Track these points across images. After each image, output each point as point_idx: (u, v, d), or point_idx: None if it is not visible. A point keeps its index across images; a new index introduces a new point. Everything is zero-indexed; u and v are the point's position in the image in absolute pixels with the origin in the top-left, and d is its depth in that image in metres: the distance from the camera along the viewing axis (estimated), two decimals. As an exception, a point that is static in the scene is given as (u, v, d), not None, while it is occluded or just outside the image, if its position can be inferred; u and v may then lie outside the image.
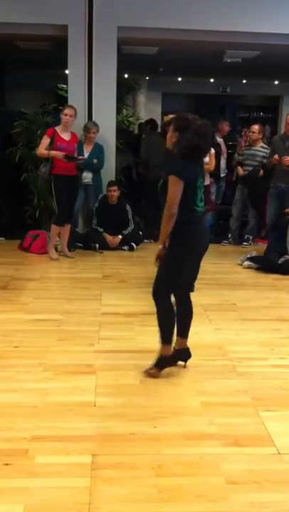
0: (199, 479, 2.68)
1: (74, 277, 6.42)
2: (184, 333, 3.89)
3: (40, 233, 7.46)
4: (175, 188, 3.47)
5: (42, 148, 6.89)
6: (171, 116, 5.57)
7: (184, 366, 3.89)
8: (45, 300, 5.41)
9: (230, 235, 8.21)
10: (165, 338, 3.76)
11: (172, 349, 3.85)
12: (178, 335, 3.88)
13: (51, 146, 6.87)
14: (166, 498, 2.53)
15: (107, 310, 5.13)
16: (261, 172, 7.74)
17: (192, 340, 3.93)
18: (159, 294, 3.75)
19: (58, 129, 7.00)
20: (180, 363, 3.90)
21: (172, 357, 3.85)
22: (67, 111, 6.93)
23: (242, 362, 4.05)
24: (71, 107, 7.06)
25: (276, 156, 7.01)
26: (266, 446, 2.97)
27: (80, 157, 7.07)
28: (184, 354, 3.89)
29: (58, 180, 6.88)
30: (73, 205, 7.26)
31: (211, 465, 2.80)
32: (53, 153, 6.80)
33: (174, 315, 3.78)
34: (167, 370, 3.85)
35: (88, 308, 5.15)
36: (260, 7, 7.65)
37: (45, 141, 6.89)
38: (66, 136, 6.99)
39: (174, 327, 3.80)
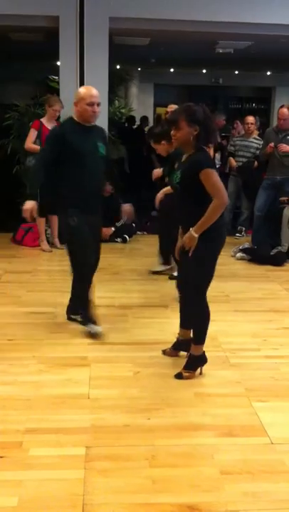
0: (193, 470, 2.69)
1: (67, 270, 6.32)
2: (190, 324, 3.82)
3: (33, 226, 7.45)
4: (217, 179, 3.40)
5: (30, 142, 6.93)
6: (172, 106, 5.50)
7: (187, 356, 3.85)
8: (39, 293, 5.41)
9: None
10: (202, 338, 3.66)
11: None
12: (183, 326, 3.86)
13: (39, 138, 6.88)
14: (160, 489, 2.55)
15: (101, 302, 5.11)
16: (256, 163, 7.77)
17: (185, 331, 3.94)
18: (201, 296, 3.60)
19: (43, 120, 7.04)
20: (182, 353, 3.88)
21: (176, 345, 3.90)
22: (57, 107, 6.95)
23: (235, 353, 4.07)
24: (59, 101, 7.07)
25: (271, 144, 7.02)
26: (259, 437, 2.99)
27: None
28: (189, 344, 3.84)
29: None
30: None
31: (205, 456, 2.81)
32: None
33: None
34: (161, 361, 3.87)
35: (81, 301, 5.14)
36: (252, -3, 7.63)
37: (32, 134, 6.94)
38: (52, 127, 6.99)
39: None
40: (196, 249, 3.44)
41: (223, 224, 3.58)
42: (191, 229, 3.42)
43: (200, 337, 3.66)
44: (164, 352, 3.96)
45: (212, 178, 3.36)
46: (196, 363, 3.68)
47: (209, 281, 3.61)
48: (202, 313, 3.62)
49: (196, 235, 3.40)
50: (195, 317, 3.70)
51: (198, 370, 3.68)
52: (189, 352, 3.74)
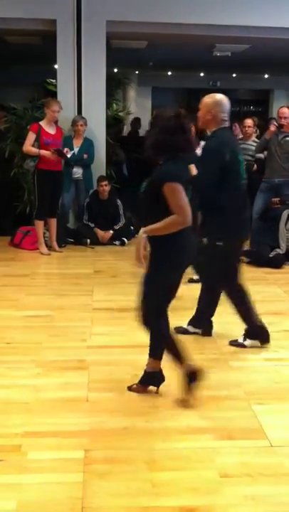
0: (192, 473, 2.68)
1: (65, 273, 6.41)
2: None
3: (31, 229, 7.44)
4: (179, 195, 3.11)
5: (29, 145, 6.94)
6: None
7: (156, 392, 3.48)
8: (37, 296, 5.39)
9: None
10: (158, 352, 3.40)
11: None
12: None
13: (38, 141, 6.89)
14: (159, 492, 2.53)
15: (99, 305, 5.13)
16: (255, 167, 7.78)
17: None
18: (154, 317, 3.33)
19: (42, 123, 7.03)
20: (151, 387, 3.49)
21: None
22: (55, 107, 6.94)
23: (234, 355, 4.06)
24: (57, 102, 7.08)
25: (275, 123, 7.12)
26: (259, 439, 2.98)
27: (65, 150, 7.09)
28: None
29: (42, 175, 6.93)
30: (57, 200, 7.27)
31: (204, 458, 2.80)
32: (44, 152, 6.83)
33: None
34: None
35: (80, 304, 5.14)
36: (250, 0, 7.63)
37: (31, 137, 6.94)
38: (51, 130, 7.04)
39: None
40: (150, 264, 3.23)
41: (183, 247, 3.22)
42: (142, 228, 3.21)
43: (155, 350, 3.40)
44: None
45: (173, 193, 3.07)
46: (148, 378, 3.44)
47: (161, 303, 3.33)
48: (158, 330, 3.36)
49: (144, 235, 3.18)
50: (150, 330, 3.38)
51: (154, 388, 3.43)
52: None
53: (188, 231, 3.23)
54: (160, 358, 3.44)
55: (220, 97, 4.00)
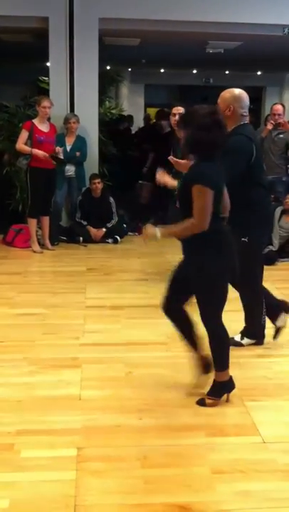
0: (185, 470, 2.68)
1: (58, 271, 6.40)
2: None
3: (23, 227, 7.42)
4: (205, 200, 3.03)
5: (21, 143, 6.90)
6: (179, 108, 5.47)
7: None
8: (30, 294, 5.38)
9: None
10: (222, 363, 3.32)
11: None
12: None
13: (30, 139, 6.86)
14: (152, 489, 2.54)
15: (92, 303, 5.12)
16: None
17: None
18: (212, 319, 3.28)
19: (35, 121, 7.00)
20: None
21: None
22: (45, 103, 6.91)
23: (227, 352, 4.05)
24: (47, 98, 7.08)
25: (272, 121, 7.15)
26: (251, 436, 2.99)
27: (57, 149, 7.04)
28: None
29: (35, 173, 6.90)
30: (50, 198, 7.25)
31: (197, 455, 2.80)
32: (36, 152, 6.79)
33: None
34: (153, 361, 3.86)
35: (73, 302, 5.13)
36: (242, -3, 7.65)
37: (24, 135, 6.90)
38: (44, 128, 7.00)
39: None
40: (197, 271, 3.16)
41: (221, 250, 3.16)
42: (161, 227, 3.17)
43: (219, 362, 3.32)
44: None
45: (199, 196, 3.00)
46: (219, 389, 3.32)
47: (219, 304, 3.27)
48: (216, 335, 3.30)
49: (158, 234, 3.12)
50: (209, 339, 3.32)
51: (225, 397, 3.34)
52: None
53: (227, 233, 3.20)
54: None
55: (239, 91, 3.86)
